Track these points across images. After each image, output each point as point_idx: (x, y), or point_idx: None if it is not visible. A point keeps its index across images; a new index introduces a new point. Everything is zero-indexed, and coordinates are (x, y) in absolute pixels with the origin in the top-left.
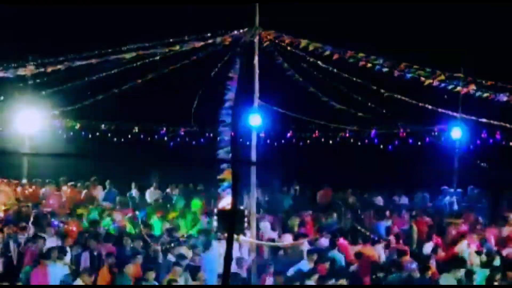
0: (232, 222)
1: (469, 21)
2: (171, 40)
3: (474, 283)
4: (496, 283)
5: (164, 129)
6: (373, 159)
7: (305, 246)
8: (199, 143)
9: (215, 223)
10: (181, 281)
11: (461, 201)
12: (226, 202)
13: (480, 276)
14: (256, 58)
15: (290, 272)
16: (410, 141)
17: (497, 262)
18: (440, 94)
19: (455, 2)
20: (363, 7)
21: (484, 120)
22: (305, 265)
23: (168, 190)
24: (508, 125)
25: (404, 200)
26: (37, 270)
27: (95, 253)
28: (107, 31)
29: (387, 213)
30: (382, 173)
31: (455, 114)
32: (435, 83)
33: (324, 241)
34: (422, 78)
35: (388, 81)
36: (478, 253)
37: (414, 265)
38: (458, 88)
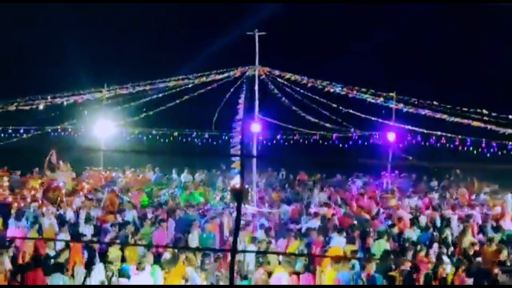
0: (240, 196)
1: (401, 55)
2: (199, 74)
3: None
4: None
5: (194, 133)
6: (334, 154)
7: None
8: (218, 143)
9: (228, 196)
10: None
11: (394, 182)
12: (236, 182)
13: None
14: (256, 86)
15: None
16: (360, 141)
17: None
18: (379, 109)
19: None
20: (330, 49)
21: (409, 127)
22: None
23: (197, 174)
24: (425, 131)
25: (359, 182)
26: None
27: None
28: (156, 67)
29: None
30: (341, 164)
31: (390, 123)
32: (377, 101)
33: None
34: (368, 99)
35: (345, 100)
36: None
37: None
38: (392, 105)
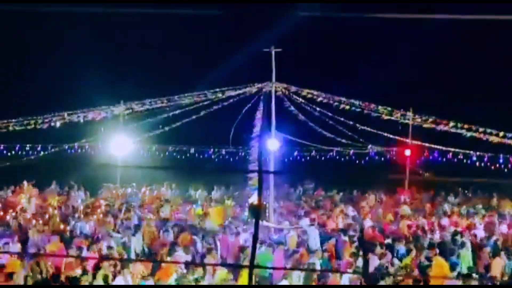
0: (258, 213)
1: (418, 72)
2: (215, 90)
3: None
4: None
5: (211, 150)
6: (351, 170)
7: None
8: (235, 160)
9: (246, 213)
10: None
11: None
12: (253, 199)
13: None
14: (273, 102)
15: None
16: (376, 158)
17: None
18: (396, 126)
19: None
20: (346, 65)
21: (426, 144)
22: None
23: (213, 191)
24: (443, 148)
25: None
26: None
27: None
28: (173, 84)
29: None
30: (358, 179)
31: (406, 139)
32: (393, 118)
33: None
34: (384, 115)
35: (361, 117)
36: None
37: None
38: (408, 122)
